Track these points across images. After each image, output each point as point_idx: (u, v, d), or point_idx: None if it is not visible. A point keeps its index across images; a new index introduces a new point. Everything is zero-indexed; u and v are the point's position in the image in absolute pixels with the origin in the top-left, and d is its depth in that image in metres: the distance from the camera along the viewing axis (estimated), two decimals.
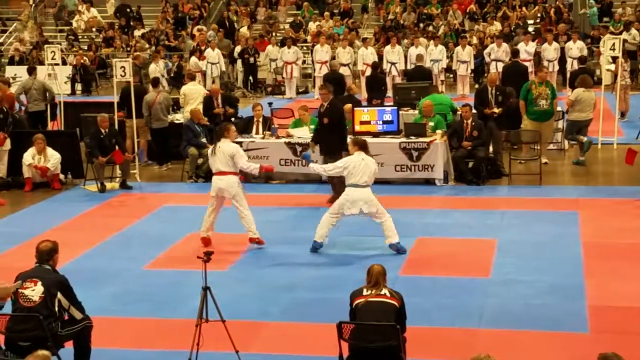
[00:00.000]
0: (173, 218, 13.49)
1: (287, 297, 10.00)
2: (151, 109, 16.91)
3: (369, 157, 11.46)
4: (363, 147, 11.50)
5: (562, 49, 25.96)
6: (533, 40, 26.31)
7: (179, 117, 17.82)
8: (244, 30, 30.77)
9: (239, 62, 28.13)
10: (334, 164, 11.70)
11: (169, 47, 30.65)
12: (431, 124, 15.47)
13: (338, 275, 10.46)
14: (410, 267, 10.90)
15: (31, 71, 18.56)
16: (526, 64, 22.77)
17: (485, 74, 23.69)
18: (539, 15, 31.41)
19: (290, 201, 14.12)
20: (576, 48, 25.38)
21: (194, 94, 17.85)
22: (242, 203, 11.53)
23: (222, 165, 11.47)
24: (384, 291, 7.34)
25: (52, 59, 18.18)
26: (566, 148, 17.42)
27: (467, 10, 31.36)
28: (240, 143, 15.43)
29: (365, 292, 7.32)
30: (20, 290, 7.36)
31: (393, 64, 25.43)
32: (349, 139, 12.59)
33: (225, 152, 11.45)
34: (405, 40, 27.56)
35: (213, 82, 25.02)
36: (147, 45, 30.39)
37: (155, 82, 17.94)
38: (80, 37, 33.10)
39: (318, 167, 12.24)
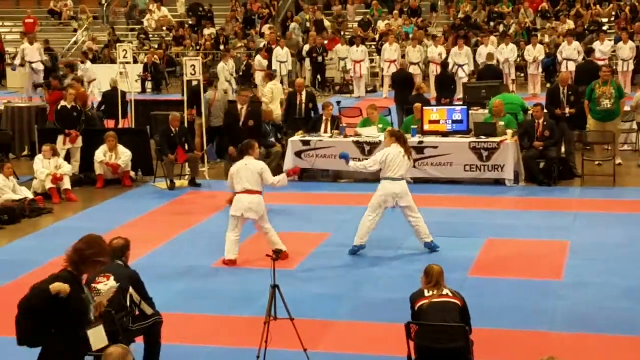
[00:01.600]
0: None
1: (354, 296, 9.96)
2: (211, 108, 16.99)
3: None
4: (399, 138, 11.20)
5: (639, 48, 25.43)
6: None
7: None
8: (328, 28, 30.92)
9: (307, 60, 28.18)
10: (373, 159, 11.27)
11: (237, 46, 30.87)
12: (502, 123, 15.27)
13: (406, 275, 10.35)
14: (480, 269, 10.76)
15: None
16: (600, 63, 22.31)
17: (557, 73, 23.32)
18: (613, 13, 30.82)
19: (358, 200, 14.05)
20: None
21: (277, 92, 18.04)
22: (267, 220, 10.88)
23: (250, 183, 10.69)
24: (446, 291, 7.24)
25: (124, 57, 18.42)
26: None
27: (539, 9, 30.93)
28: (308, 142, 15.56)
29: (427, 294, 7.21)
30: (93, 285, 7.46)
31: (460, 66, 25.07)
32: (387, 130, 12.09)
33: (254, 170, 10.74)
34: (476, 39, 27.28)
35: (281, 81, 25.09)
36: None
37: (211, 82, 18.08)
38: (150, 36, 33.53)
39: (359, 165, 11.65)
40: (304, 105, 17.36)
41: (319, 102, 18.33)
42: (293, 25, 31.24)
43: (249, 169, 10.75)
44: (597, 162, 15.62)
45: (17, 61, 26.26)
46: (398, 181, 11.01)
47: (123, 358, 5.32)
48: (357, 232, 11.21)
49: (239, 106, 14.78)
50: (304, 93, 17.59)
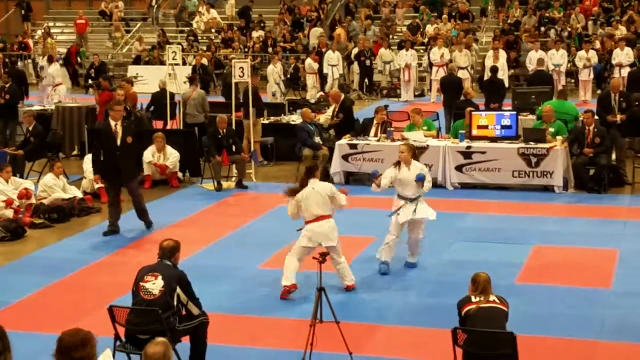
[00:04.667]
0: (287, 218, 13.45)
1: (400, 300, 9.92)
2: (186, 105, 17.53)
3: (418, 163, 10.88)
4: (415, 154, 11.00)
5: None
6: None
7: (294, 119, 18.03)
8: (369, 33, 30.95)
9: (355, 64, 28.19)
10: (383, 182, 10.70)
11: (285, 49, 30.99)
12: (551, 129, 15.11)
13: (451, 281, 10.27)
14: (527, 276, 10.65)
15: None
16: None
17: (608, 80, 23.04)
18: None
19: None
20: None
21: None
22: (340, 249, 9.97)
23: (321, 208, 9.75)
24: (492, 297, 7.20)
25: (173, 59, 18.55)
26: None
27: (591, 14, 30.58)
28: (355, 145, 15.54)
29: (474, 299, 7.18)
30: (141, 284, 7.52)
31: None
32: (403, 142, 11.55)
33: (323, 193, 9.81)
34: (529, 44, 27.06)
35: (332, 86, 25.08)
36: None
37: (192, 80, 18.55)
38: (199, 37, 33.77)
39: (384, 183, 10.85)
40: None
41: (365, 105, 18.27)
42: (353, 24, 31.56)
43: (318, 192, 9.78)
44: None
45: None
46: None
47: (164, 355, 5.28)
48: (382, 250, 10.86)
49: (112, 122, 12.40)
50: (338, 104, 17.27)
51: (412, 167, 10.72)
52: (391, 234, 10.71)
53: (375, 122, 16.11)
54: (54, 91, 23.11)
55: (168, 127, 18.71)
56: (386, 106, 18.79)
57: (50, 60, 25.03)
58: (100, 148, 12.57)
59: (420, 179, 10.68)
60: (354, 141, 15.69)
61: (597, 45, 27.40)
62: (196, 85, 18.22)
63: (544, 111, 15.60)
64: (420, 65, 28.64)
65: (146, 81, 24.10)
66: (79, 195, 14.22)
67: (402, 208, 10.67)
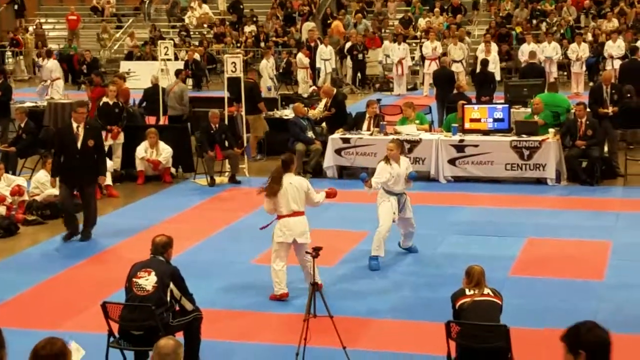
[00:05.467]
0: None
1: (394, 294, 9.92)
2: (167, 98, 17.79)
3: (405, 159, 10.91)
4: (404, 149, 11.04)
5: None
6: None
7: (287, 113, 18.02)
8: (360, 27, 30.95)
9: (348, 58, 28.18)
10: (382, 180, 10.54)
11: (277, 43, 30.96)
12: (536, 117, 15.21)
13: (445, 275, 10.30)
14: (520, 268, 10.68)
15: None
16: None
17: (600, 72, 23.07)
18: None
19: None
20: None
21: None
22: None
23: (297, 204, 9.49)
24: (487, 290, 7.23)
25: (165, 54, 18.52)
26: None
27: (583, 6, 30.62)
28: (348, 139, 15.54)
29: (468, 292, 7.21)
30: (134, 280, 7.51)
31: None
32: (391, 140, 11.42)
33: (299, 187, 9.57)
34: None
35: (324, 81, 25.07)
36: None
37: (177, 73, 18.91)
38: (191, 33, 33.72)
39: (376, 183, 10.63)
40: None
41: (357, 99, 18.27)
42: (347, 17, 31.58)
43: (295, 187, 9.52)
44: None
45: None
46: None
47: (175, 351, 5.28)
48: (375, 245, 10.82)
49: (75, 124, 11.99)
50: (330, 99, 17.22)
51: (402, 162, 10.75)
52: (382, 226, 10.71)
53: (367, 115, 16.11)
54: (52, 86, 23.08)
55: (161, 122, 18.69)
56: (378, 100, 18.82)
57: (49, 54, 25.02)
58: (60, 150, 12.12)
59: (412, 178, 10.74)
60: (347, 135, 15.70)
61: (589, 37, 27.43)
62: (181, 79, 18.52)
63: (535, 103, 15.66)
64: (413, 59, 28.64)
65: (138, 77, 24.07)
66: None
67: (391, 202, 10.68)
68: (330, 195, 9.88)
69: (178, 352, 5.26)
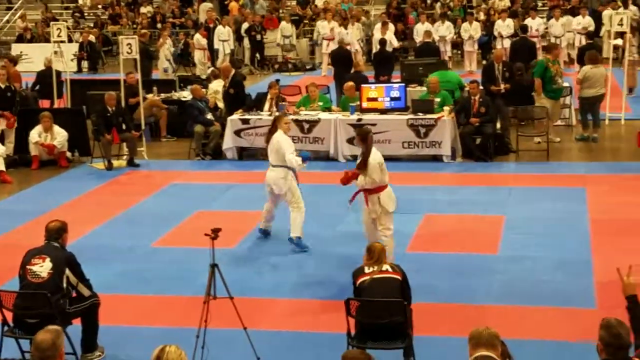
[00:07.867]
0: (181, 195, 13.48)
1: (295, 274, 10.01)
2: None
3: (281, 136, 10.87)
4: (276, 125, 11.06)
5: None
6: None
7: (185, 95, 17.88)
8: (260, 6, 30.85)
9: (246, 39, 28.06)
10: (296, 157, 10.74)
11: (174, 24, 30.61)
12: (437, 100, 15.43)
13: (347, 254, 10.40)
14: (418, 244, 10.89)
15: None
16: (534, 39, 22.69)
17: (492, 50, 23.57)
18: None
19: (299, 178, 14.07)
20: (584, 24, 25.25)
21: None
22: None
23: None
24: (386, 267, 7.38)
25: (58, 36, 18.10)
26: (574, 124, 17.34)
27: None
28: (247, 120, 15.52)
29: (367, 270, 7.35)
30: (28, 267, 7.38)
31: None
32: (282, 114, 11.87)
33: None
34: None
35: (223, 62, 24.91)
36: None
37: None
38: (86, 14, 33.01)
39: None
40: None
41: (256, 80, 18.22)
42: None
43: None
44: (537, 141, 15.74)
45: None
46: (274, 167, 10.79)
47: (54, 343, 5.21)
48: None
49: None
50: (230, 76, 17.08)
51: None
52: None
53: (269, 97, 16.10)
54: None
55: (55, 106, 18.31)
56: (277, 80, 18.81)
57: None
58: None
59: (305, 158, 10.82)
60: (246, 116, 15.67)
61: (482, 17, 27.97)
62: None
63: (430, 82, 15.93)
64: (310, 39, 28.69)
65: (31, 59, 23.49)
66: None
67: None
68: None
69: (57, 343, 5.19)
